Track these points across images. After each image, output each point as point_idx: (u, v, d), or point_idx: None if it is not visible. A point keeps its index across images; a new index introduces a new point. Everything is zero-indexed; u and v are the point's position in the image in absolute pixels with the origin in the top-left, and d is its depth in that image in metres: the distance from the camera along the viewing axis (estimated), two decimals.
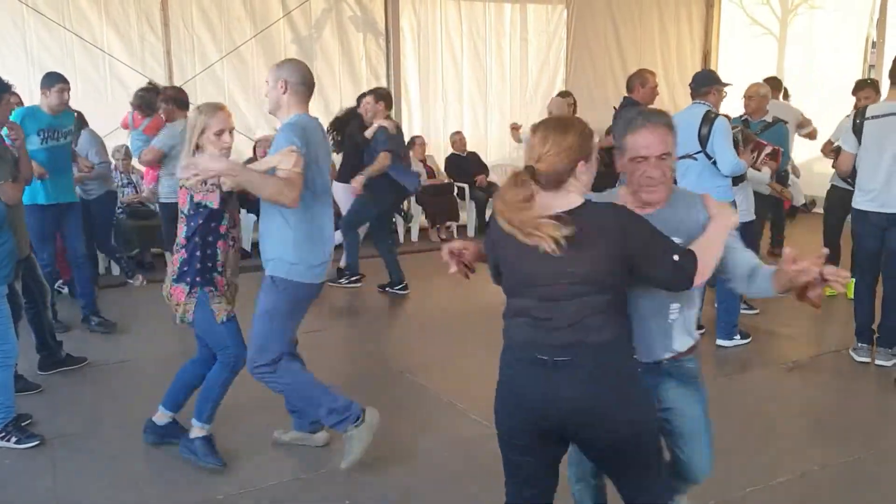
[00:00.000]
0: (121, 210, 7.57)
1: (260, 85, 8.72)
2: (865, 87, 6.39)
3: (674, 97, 10.72)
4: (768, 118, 6.45)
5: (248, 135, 8.75)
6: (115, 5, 8.12)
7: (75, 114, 6.01)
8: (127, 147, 7.78)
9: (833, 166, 5.95)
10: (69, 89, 5.51)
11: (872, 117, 4.94)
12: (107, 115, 8.03)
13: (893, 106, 4.85)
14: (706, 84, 5.41)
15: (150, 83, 7.21)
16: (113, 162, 7.74)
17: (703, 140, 5.16)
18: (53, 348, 5.10)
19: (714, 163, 5.18)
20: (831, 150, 6.29)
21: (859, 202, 5.08)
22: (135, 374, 5.18)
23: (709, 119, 5.18)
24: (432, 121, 10.22)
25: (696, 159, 5.23)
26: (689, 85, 5.48)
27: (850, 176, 5.37)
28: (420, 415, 4.44)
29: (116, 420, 4.41)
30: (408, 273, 7.09)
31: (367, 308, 6.87)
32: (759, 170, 5.82)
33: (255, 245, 8.33)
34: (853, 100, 6.57)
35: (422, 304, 6.86)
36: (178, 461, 3.86)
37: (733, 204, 5.37)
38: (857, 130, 5.01)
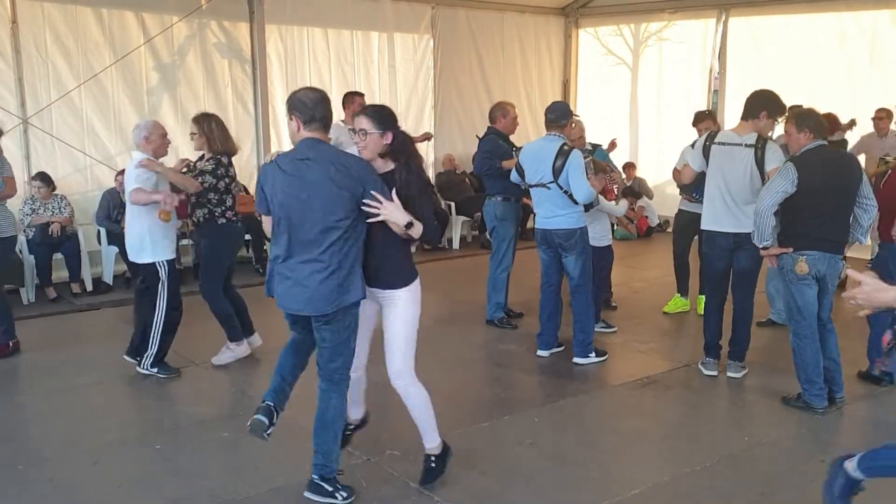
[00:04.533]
0: None
1: (120, 111, 8.55)
2: (705, 119, 6.84)
3: (537, 124, 11.08)
4: (588, 146, 6.89)
5: (109, 164, 8.47)
6: None
7: None
8: None
9: (675, 179, 6.45)
10: None
11: (720, 143, 5.34)
12: None
13: (739, 137, 5.25)
14: (565, 117, 5.71)
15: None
16: None
17: (557, 172, 5.50)
18: None
19: (566, 192, 5.51)
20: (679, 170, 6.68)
21: (707, 223, 5.46)
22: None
23: (563, 152, 5.51)
24: None
25: (549, 188, 5.57)
26: (547, 115, 5.71)
27: (695, 192, 5.96)
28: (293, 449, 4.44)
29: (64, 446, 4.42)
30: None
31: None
32: (616, 201, 6.36)
33: (117, 277, 8.10)
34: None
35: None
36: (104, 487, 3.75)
37: (585, 231, 5.72)
38: (706, 152, 5.40)
